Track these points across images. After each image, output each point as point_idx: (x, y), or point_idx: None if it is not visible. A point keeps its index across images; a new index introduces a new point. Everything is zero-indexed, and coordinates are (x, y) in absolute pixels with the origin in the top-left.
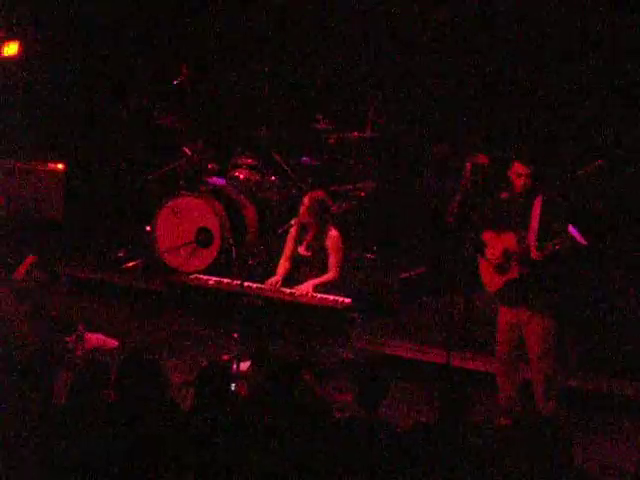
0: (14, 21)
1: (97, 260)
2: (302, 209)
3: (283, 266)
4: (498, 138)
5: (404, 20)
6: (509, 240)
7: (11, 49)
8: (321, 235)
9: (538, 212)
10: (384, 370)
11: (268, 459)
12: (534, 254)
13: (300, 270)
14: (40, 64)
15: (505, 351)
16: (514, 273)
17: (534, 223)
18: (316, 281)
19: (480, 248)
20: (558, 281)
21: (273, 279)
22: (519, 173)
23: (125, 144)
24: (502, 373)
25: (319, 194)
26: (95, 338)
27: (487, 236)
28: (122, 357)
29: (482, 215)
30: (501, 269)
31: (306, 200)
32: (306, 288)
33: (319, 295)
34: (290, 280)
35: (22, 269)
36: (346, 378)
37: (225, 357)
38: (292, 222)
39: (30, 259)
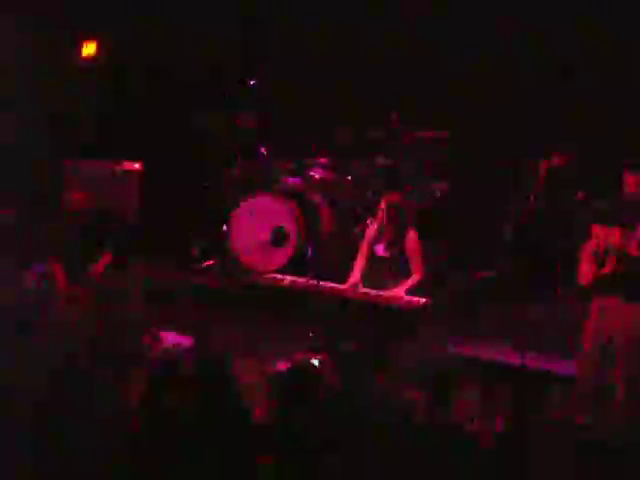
0: (93, 21)
1: (173, 260)
2: (380, 212)
3: (360, 266)
4: (574, 138)
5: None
6: (614, 235)
7: (90, 49)
8: (399, 237)
9: None
10: (454, 372)
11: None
12: (634, 250)
13: (377, 271)
14: (118, 64)
15: (591, 347)
16: (608, 268)
17: None
18: (407, 285)
19: (585, 238)
20: None
21: (352, 280)
22: (629, 183)
23: (202, 144)
24: (585, 368)
25: (395, 197)
26: (170, 337)
27: (594, 229)
28: (197, 359)
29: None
30: (599, 262)
31: (384, 202)
32: (397, 292)
33: (393, 294)
34: (366, 281)
35: (100, 267)
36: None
37: (299, 355)
38: (368, 222)
39: (107, 257)
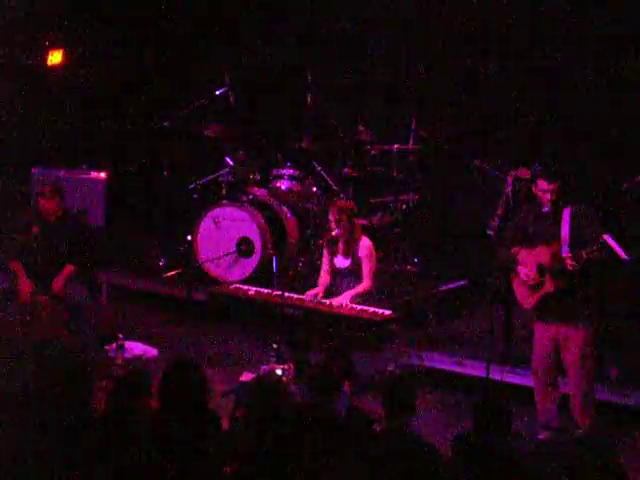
0: (58, 29)
1: (138, 269)
2: (330, 223)
3: (324, 279)
4: (540, 152)
5: (444, 33)
6: (542, 254)
7: (55, 58)
8: (353, 245)
9: (568, 223)
10: (412, 383)
11: (307, 472)
12: (568, 264)
13: (338, 282)
14: (83, 72)
15: (543, 366)
16: (549, 287)
17: (565, 235)
18: (352, 292)
19: (512, 266)
20: (594, 293)
21: (313, 291)
22: (544, 190)
23: (168, 153)
24: (540, 388)
25: (343, 203)
26: (135, 347)
27: (520, 254)
28: (169, 363)
29: (512, 232)
30: (535, 285)
31: (332, 211)
32: (343, 300)
33: (359, 307)
34: (330, 293)
35: (61, 279)
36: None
37: (264, 368)
38: (332, 233)
39: (69, 269)
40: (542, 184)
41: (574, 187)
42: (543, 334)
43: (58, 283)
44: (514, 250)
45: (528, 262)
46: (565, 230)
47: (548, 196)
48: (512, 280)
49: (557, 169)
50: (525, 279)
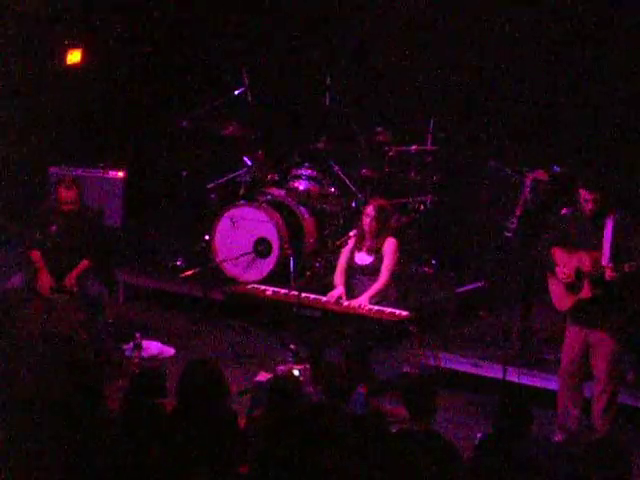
0: (78, 29)
1: (155, 268)
2: (366, 218)
3: (341, 278)
4: (558, 154)
5: (464, 35)
6: (582, 260)
7: (74, 57)
8: (380, 243)
9: (610, 232)
10: (434, 384)
11: (322, 473)
12: (608, 275)
13: (358, 280)
14: (103, 72)
15: (571, 369)
16: (586, 293)
17: (607, 243)
18: (369, 293)
19: (550, 266)
20: (630, 303)
21: (335, 292)
22: (585, 199)
23: (186, 153)
24: (565, 389)
25: (383, 202)
26: (152, 346)
27: (557, 254)
28: (186, 363)
29: (550, 232)
30: (572, 288)
31: (370, 208)
32: (361, 301)
33: (376, 307)
34: (350, 290)
35: (73, 276)
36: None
37: (280, 368)
38: (351, 234)
39: (84, 264)
40: (583, 194)
41: (619, 194)
42: (575, 337)
43: (71, 276)
44: (552, 251)
45: (567, 264)
46: (607, 238)
47: (590, 205)
48: (549, 281)
49: (599, 178)
50: (563, 277)
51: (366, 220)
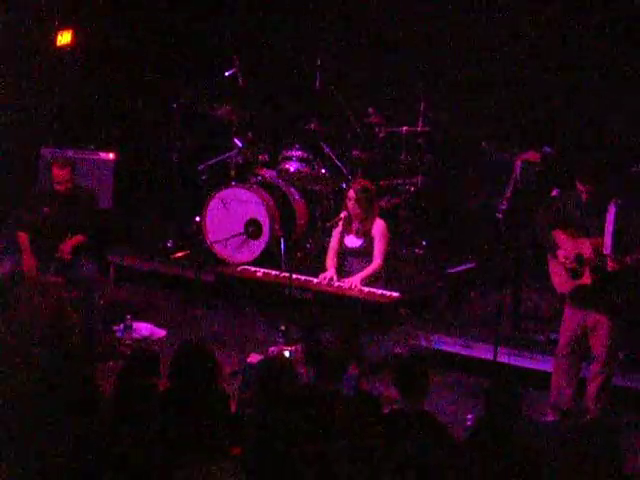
0: (68, 10)
1: (146, 250)
2: (349, 201)
3: (333, 260)
4: (550, 135)
5: (455, 13)
6: (583, 246)
7: (65, 38)
8: (368, 225)
9: (612, 219)
10: (425, 365)
11: (314, 454)
12: (610, 266)
13: (349, 262)
14: (94, 53)
15: (568, 349)
16: (586, 279)
17: (609, 231)
18: (362, 274)
19: (552, 248)
20: (630, 290)
21: (327, 274)
22: (580, 190)
23: (177, 135)
24: (561, 370)
25: (365, 183)
26: (143, 327)
27: (559, 237)
28: (179, 344)
29: (544, 213)
30: (573, 273)
31: (352, 191)
32: (353, 281)
33: (367, 289)
34: (340, 273)
35: (68, 245)
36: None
37: (271, 349)
38: (341, 216)
39: (79, 238)
40: (578, 185)
41: (618, 184)
42: (573, 318)
43: (66, 247)
44: (553, 233)
45: (568, 248)
46: (609, 225)
47: (585, 196)
48: (549, 262)
49: (594, 170)
50: (563, 261)
51: (349, 203)
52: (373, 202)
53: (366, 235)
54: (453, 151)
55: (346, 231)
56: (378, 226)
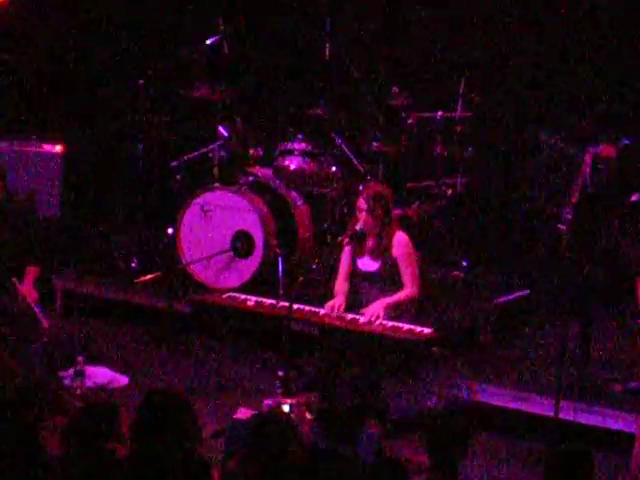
0: None
1: (103, 271)
2: (359, 213)
3: (342, 286)
4: (630, 125)
5: None
6: None
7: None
8: (385, 242)
9: None
10: (467, 423)
11: None
12: None
13: (364, 291)
14: (36, 20)
15: None
16: None
17: None
18: (389, 300)
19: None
20: None
21: (334, 302)
22: None
23: (143, 122)
24: None
25: (377, 188)
26: (99, 373)
27: None
28: (144, 395)
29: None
30: None
31: (362, 200)
32: (375, 310)
33: (391, 323)
34: (353, 304)
35: (28, 283)
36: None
37: (267, 402)
38: (354, 229)
39: (33, 271)
40: None
41: None
42: None
43: (29, 291)
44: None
45: None
46: None
47: None
48: (637, 284)
49: None
50: None
51: (360, 216)
52: (389, 211)
53: (384, 255)
54: (502, 143)
55: (358, 252)
56: (400, 244)
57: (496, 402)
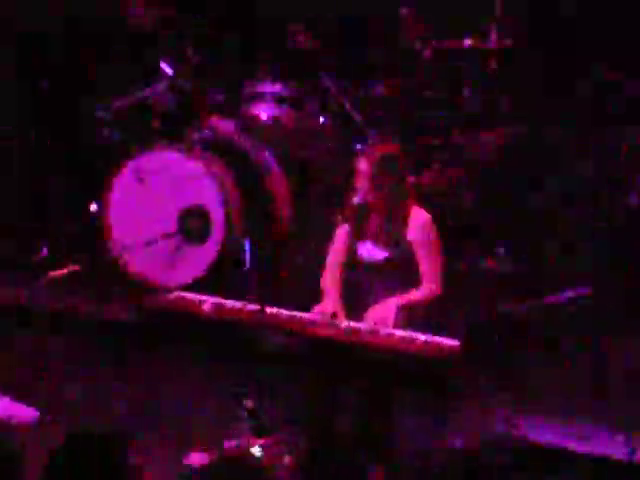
0: None
1: (1, 265)
2: (360, 180)
3: (335, 282)
4: None
5: None
6: None
7: None
8: (398, 222)
9: None
10: (504, 469)
11: None
12: None
13: (363, 287)
14: None
15: None
16: None
17: None
18: (401, 301)
19: None
20: None
21: (325, 304)
22: None
23: (54, 51)
24: None
25: (384, 147)
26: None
27: None
28: (60, 435)
29: None
30: None
31: (364, 161)
32: (382, 314)
33: (402, 333)
34: (351, 305)
35: None
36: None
37: (229, 443)
38: (350, 205)
39: None
40: None
41: None
42: None
43: None
44: None
45: None
46: None
47: None
48: None
49: None
50: None
51: (361, 185)
52: (403, 179)
53: (395, 239)
54: (554, 85)
55: (358, 235)
56: (418, 222)
57: (548, 440)
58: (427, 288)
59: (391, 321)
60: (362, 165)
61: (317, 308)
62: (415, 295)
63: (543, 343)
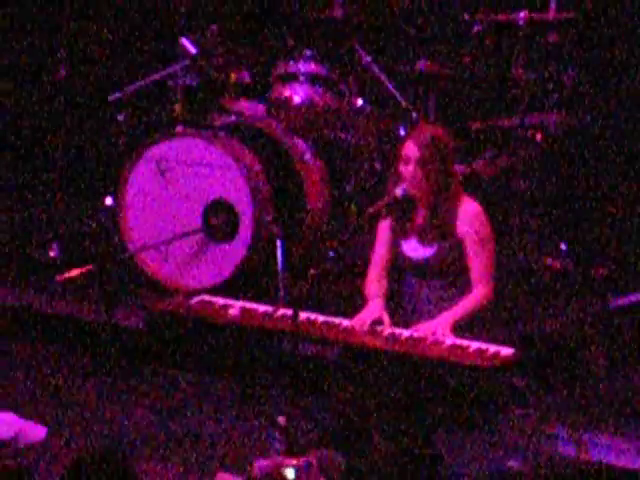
0: None
1: (8, 265)
2: (405, 167)
3: (378, 285)
4: None
5: None
6: None
7: None
8: (447, 215)
9: None
10: None
11: None
12: None
13: (408, 289)
14: None
15: None
16: None
17: None
18: (456, 315)
19: None
20: None
21: (370, 312)
22: None
23: (66, 34)
24: None
25: (432, 130)
26: (3, 423)
27: None
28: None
29: None
30: None
31: (410, 145)
32: (439, 327)
33: (451, 341)
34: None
35: None
36: None
37: (259, 464)
38: (393, 196)
39: None
40: None
41: None
42: None
43: None
44: None
45: None
46: None
47: None
48: None
49: None
50: None
51: (405, 173)
52: (452, 167)
53: (443, 235)
54: (620, 63)
55: (402, 231)
56: (469, 215)
57: (616, 461)
58: (479, 294)
59: (449, 337)
60: (408, 149)
61: (360, 316)
62: (468, 305)
63: (608, 353)
